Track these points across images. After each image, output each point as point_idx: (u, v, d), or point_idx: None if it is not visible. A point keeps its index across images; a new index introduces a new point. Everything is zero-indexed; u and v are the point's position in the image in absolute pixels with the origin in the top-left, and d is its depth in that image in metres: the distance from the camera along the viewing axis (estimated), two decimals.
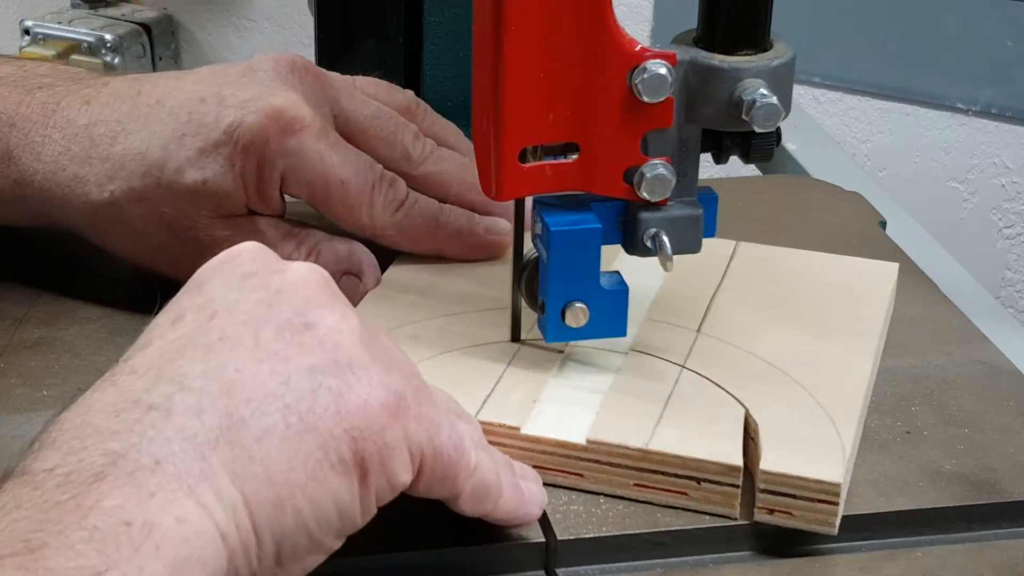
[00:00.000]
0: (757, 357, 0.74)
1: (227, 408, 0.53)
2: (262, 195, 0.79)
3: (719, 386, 0.71)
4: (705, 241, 0.79)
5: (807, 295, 0.80)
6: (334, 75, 0.83)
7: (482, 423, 0.67)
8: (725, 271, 0.82)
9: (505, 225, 0.82)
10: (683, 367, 0.73)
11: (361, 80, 0.86)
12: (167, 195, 0.78)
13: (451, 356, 0.73)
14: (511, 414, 0.69)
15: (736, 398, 0.70)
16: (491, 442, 0.66)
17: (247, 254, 0.59)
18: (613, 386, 0.71)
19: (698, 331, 0.76)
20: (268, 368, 0.54)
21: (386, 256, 0.82)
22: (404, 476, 0.56)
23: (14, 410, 0.73)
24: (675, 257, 0.76)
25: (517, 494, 0.62)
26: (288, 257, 0.74)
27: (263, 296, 0.56)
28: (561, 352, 0.74)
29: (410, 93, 0.87)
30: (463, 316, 0.77)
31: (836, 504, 0.63)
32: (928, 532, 0.67)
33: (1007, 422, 0.74)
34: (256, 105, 0.77)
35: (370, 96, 0.84)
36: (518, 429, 0.68)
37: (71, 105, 0.80)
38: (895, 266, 0.84)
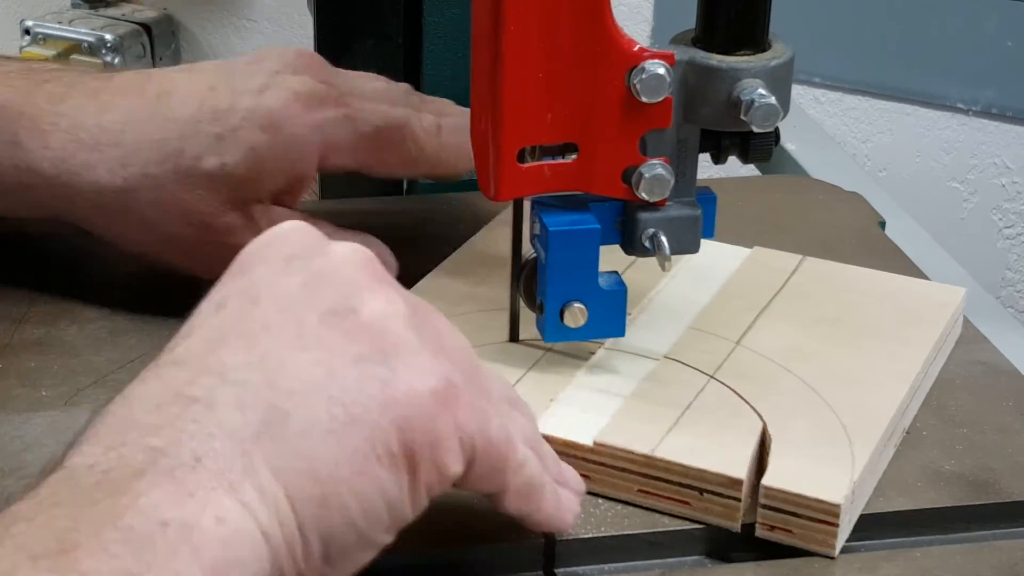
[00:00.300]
0: (791, 373, 0.73)
1: (270, 401, 0.51)
2: (294, 176, 0.79)
3: (743, 399, 0.70)
4: (768, 255, 0.79)
5: (861, 314, 0.79)
6: (336, 68, 0.84)
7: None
8: (783, 286, 0.82)
9: None
10: (712, 377, 0.72)
11: (360, 73, 0.86)
12: (185, 181, 0.77)
13: (482, 351, 0.73)
14: None
15: (757, 412, 0.69)
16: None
17: (292, 234, 0.58)
18: (635, 391, 0.71)
19: (737, 343, 0.76)
20: (312, 357, 0.52)
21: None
22: (455, 467, 0.55)
23: (13, 410, 0.73)
24: (730, 269, 0.76)
25: (555, 500, 0.60)
26: None
27: (306, 279, 0.55)
28: (592, 354, 0.74)
29: (405, 85, 0.87)
30: (501, 313, 0.77)
31: (836, 526, 0.63)
32: (927, 532, 0.67)
33: (1006, 422, 0.74)
34: (273, 89, 0.78)
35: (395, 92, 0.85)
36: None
37: (79, 95, 0.80)
38: (961, 291, 0.82)
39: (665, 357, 0.74)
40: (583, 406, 0.70)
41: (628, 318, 0.75)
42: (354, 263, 0.56)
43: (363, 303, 0.54)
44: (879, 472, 0.68)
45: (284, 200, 0.80)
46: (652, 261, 0.72)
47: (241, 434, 0.50)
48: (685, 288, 0.81)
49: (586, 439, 0.67)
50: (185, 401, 0.51)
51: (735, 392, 0.71)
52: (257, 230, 0.71)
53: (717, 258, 0.84)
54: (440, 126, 0.82)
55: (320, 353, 0.52)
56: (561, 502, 0.60)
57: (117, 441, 0.50)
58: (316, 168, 0.80)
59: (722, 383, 0.72)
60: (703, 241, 0.82)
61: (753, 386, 0.71)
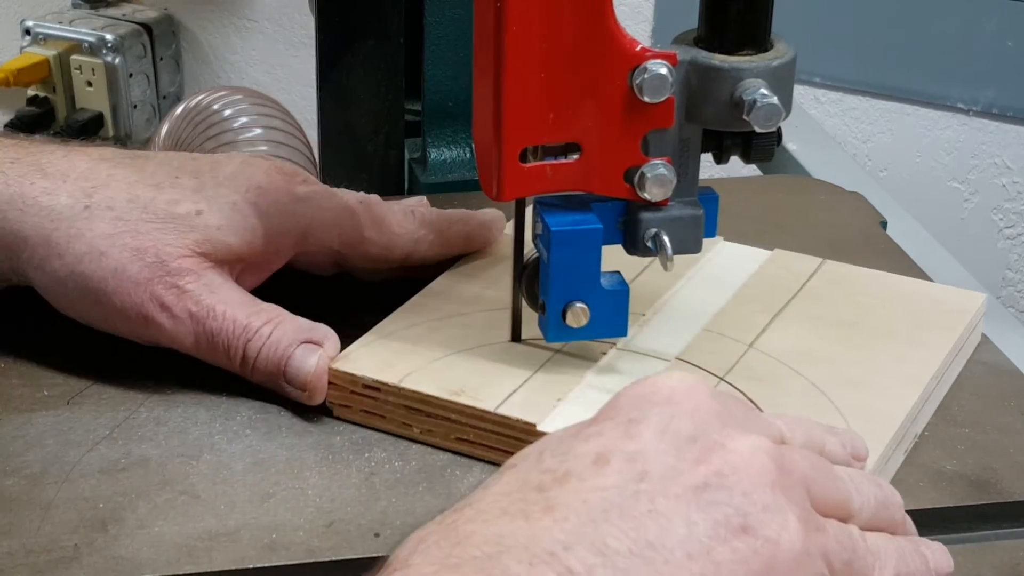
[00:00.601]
0: (801, 376, 0.73)
1: None
2: (269, 245, 0.77)
3: (752, 401, 0.70)
4: (788, 257, 0.79)
5: (878, 319, 0.79)
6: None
7: (500, 416, 0.68)
8: (800, 289, 0.81)
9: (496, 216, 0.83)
10: (721, 379, 0.72)
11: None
12: (152, 220, 0.75)
13: (492, 349, 0.74)
14: (532, 410, 0.69)
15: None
16: (507, 436, 0.67)
17: (688, 403, 0.55)
18: None
19: (750, 346, 0.75)
20: (698, 569, 0.50)
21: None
22: None
23: (15, 410, 0.73)
24: (748, 272, 0.78)
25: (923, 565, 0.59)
26: (248, 327, 0.73)
27: (703, 474, 0.52)
28: (604, 355, 0.74)
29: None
30: (504, 313, 0.76)
31: None
32: (929, 532, 0.67)
33: (1008, 422, 0.74)
34: (253, 161, 0.78)
35: None
36: (534, 425, 0.68)
37: (50, 153, 0.78)
38: (981, 296, 0.82)
39: (676, 359, 0.74)
40: (591, 406, 0.70)
41: (642, 319, 0.75)
42: (756, 469, 0.53)
43: (759, 523, 0.51)
44: (888, 476, 0.68)
45: (246, 276, 0.77)
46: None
47: None
48: (701, 290, 0.81)
49: None
50: (561, 569, 0.49)
51: (744, 394, 0.71)
52: (198, 301, 0.72)
53: (736, 260, 0.84)
54: (412, 210, 0.82)
55: (706, 566, 0.50)
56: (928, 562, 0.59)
57: None
58: (294, 245, 0.78)
59: (732, 385, 0.72)
60: (723, 243, 0.82)
61: (763, 388, 0.71)
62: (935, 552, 0.60)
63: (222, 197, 0.76)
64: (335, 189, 0.80)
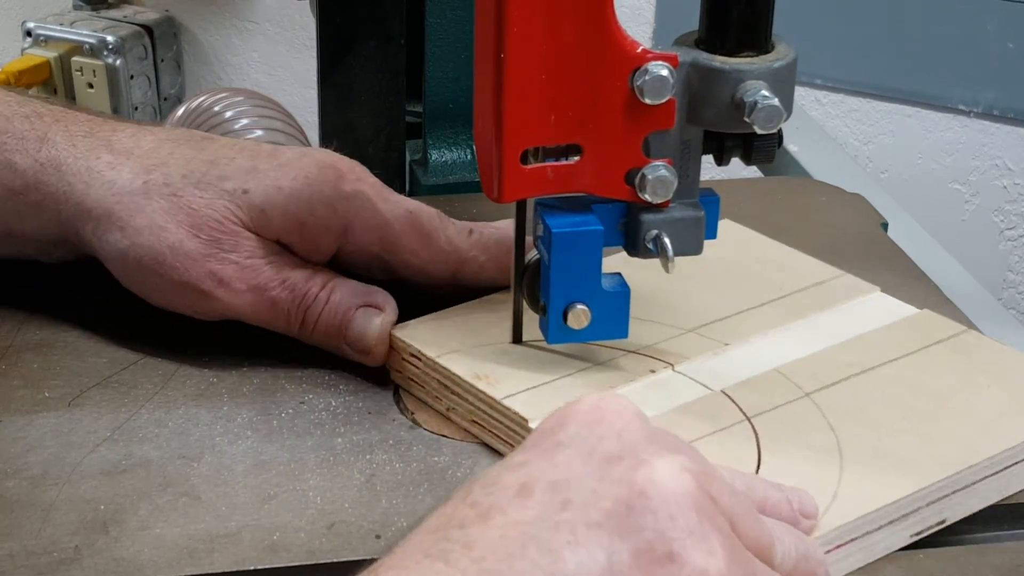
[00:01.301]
0: (834, 434, 0.69)
1: None
2: (308, 233, 0.77)
3: (757, 443, 0.69)
4: (931, 320, 0.77)
5: (970, 398, 0.72)
6: None
7: (503, 406, 0.70)
8: (912, 352, 0.76)
9: None
10: (747, 417, 0.70)
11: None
12: (203, 192, 0.77)
13: (485, 351, 0.75)
14: (537, 408, 0.69)
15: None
16: (507, 427, 0.69)
17: (617, 423, 0.54)
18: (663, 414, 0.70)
19: (808, 395, 0.72)
20: None
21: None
22: None
23: (16, 412, 0.73)
24: (872, 325, 0.77)
25: None
26: (307, 295, 0.76)
27: (624, 496, 0.51)
28: (653, 372, 0.74)
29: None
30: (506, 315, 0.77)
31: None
32: (929, 535, 0.67)
33: None
34: (312, 153, 0.78)
35: None
36: (527, 421, 0.69)
37: (121, 131, 0.81)
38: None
39: (721, 391, 0.73)
40: None
41: (724, 347, 0.75)
42: (679, 493, 0.51)
43: (684, 551, 0.50)
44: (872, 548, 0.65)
45: (310, 258, 0.78)
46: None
47: None
48: (808, 334, 0.78)
49: None
50: None
51: (753, 430, 0.69)
52: (256, 273, 0.75)
53: (876, 311, 0.80)
54: (472, 230, 0.80)
55: None
56: None
57: None
58: (335, 240, 0.78)
59: (749, 421, 0.70)
60: (879, 294, 0.80)
61: (782, 440, 0.69)
62: None
63: (270, 180, 0.77)
64: (393, 194, 0.79)
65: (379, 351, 0.76)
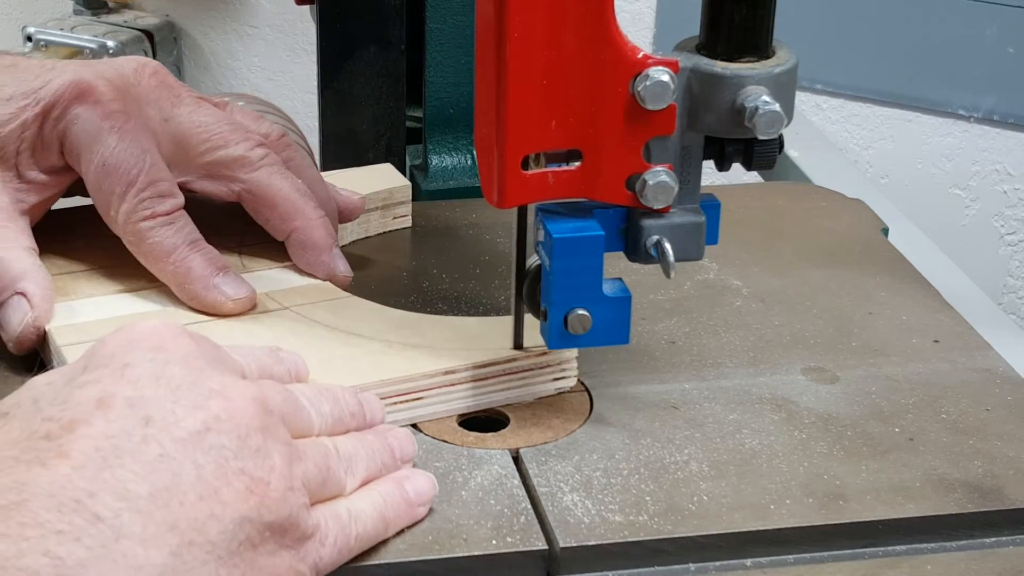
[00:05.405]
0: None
1: (171, 547, 0.54)
2: (36, 152, 0.78)
3: None
4: None
5: None
6: (183, 87, 0.82)
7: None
8: None
9: (245, 293, 0.79)
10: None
11: (232, 106, 0.85)
12: None
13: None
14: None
15: None
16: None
17: (177, 349, 0.60)
18: None
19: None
20: (208, 510, 0.55)
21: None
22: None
23: None
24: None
25: (408, 511, 0.65)
26: None
27: (203, 419, 0.57)
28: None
29: (278, 127, 0.86)
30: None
31: None
32: (931, 539, 0.67)
33: (1010, 429, 0.74)
34: (68, 74, 0.78)
35: (234, 122, 0.82)
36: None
37: None
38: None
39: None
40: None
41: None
42: (250, 416, 0.59)
43: (255, 467, 0.58)
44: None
45: (40, 177, 0.79)
46: None
47: (143, 573, 0.53)
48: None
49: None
50: (89, 515, 0.52)
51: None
52: None
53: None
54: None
55: (215, 506, 0.56)
56: (413, 509, 0.66)
57: (15, 532, 0.51)
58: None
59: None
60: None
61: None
62: (400, 441, 0.67)
63: (14, 108, 0.77)
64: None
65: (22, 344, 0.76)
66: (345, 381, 0.71)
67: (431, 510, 0.66)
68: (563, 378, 0.76)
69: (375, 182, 0.94)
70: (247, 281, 0.79)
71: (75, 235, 0.83)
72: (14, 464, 0.54)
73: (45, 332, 0.75)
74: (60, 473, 0.53)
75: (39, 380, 0.60)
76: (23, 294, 0.76)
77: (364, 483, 0.64)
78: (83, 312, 0.77)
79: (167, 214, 0.78)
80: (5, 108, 0.77)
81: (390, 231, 0.94)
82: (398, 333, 0.77)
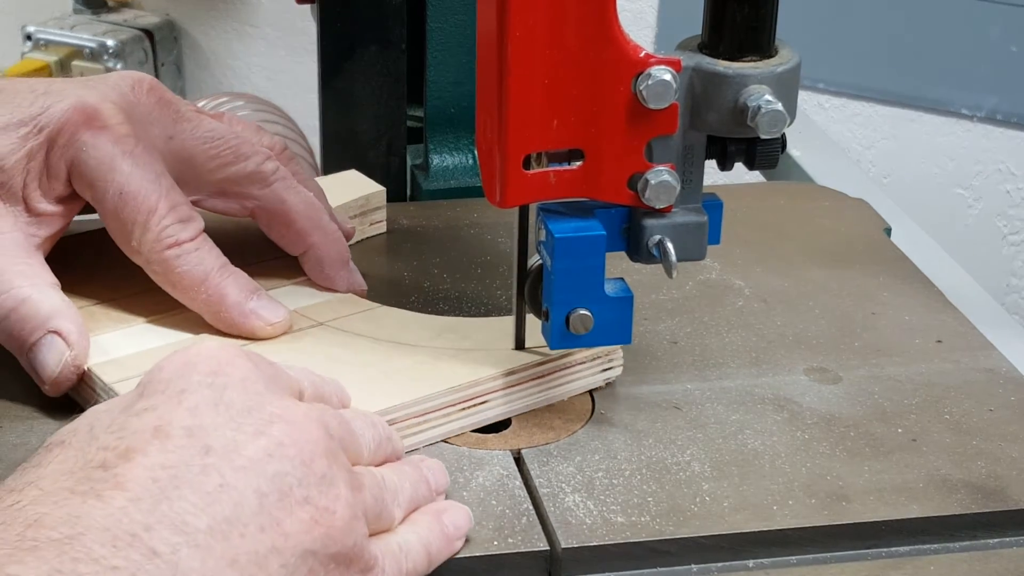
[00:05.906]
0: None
1: None
2: (43, 183, 0.75)
3: None
4: None
5: None
6: (181, 101, 0.80)
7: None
8: None
9: (282, 316, 0.77)
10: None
11: (230, 117, 0.83)
12: None
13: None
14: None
15: None
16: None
17: (235, 373, 0.58)
18: None
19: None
20: (270, 543, 0.54)
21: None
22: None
23: (17, 418, 0.73)
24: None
25: (447, 546, 0.63)
26: None
27: (264, 446, 0.56)
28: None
29: (279, 139, 0.85)
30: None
31: None
32: (934, 540, 0.67)
33: (1013, 430, 0.74)
34: (70, 97, 0.75)
35: (239, 135, 0.80)
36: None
37: None
38: None
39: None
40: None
41: None
42: (314, 441, 0.57)
43: (320, 495, 0.56)
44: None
45: (46, 201, 0.76)
46: None
47: None
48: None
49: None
50: (146, 550, 0.51)
51: None
52: None
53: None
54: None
55: (277, 538, 0.54)
56: (452, 543, 0.64)
57: (68, 567, 0.49)
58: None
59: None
60: None
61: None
62: (434, 472, 0.66)
63: (16, 136, 0.74)
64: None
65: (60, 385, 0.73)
66: (411, 393, 0.70)
67: (467, 540, 0.64)
68: (611, 368, 0.76)
69: (349, 190, 0.93)
70: (280, 302, 0.77)
71: (71, 267, 0.79)
72: (69, 496, 0.52)
73: (84, 371, 0.73)
74: (115, 506, 0.52)
75: (99, 408, 0.58)
76: (58, 332, 0.72)
77: (406, 515, 0.63)
78: (115, 347, 0.75)
79: (192, 239, 0.75)
80: (5, 139, 0.74)
81: (368, 237, 0.94)
82: (444, 338, 0.76)
